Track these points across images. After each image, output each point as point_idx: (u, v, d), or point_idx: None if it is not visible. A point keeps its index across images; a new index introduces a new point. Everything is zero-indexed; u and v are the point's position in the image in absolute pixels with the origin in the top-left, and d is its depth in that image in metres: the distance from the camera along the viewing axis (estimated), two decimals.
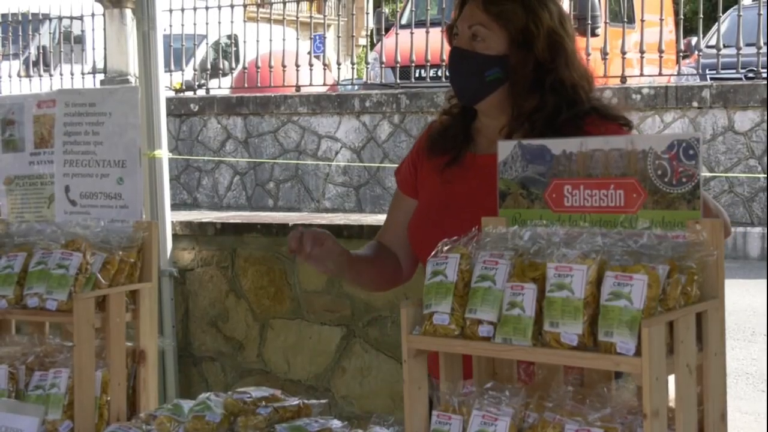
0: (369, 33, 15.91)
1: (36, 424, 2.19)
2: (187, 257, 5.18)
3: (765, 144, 10.33)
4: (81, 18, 14.56)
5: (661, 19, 12.89)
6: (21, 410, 2.24)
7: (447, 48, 2.58)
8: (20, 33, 15.82)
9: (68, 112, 2.81)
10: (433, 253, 2.03)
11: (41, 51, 15.47)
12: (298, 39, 14.33)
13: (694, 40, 14.01)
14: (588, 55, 11.44)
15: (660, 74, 11.98)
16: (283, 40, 13.56)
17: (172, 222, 5.07)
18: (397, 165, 2.77)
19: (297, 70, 13.02)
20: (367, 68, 15.03)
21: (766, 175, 10.24)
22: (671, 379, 1.79)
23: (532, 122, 2.40)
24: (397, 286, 2.60)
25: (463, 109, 2.57)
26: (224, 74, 15.07)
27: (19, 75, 14.82)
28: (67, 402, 2.42)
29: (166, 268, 4.95)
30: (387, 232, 2.69)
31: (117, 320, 2.52)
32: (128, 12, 12.92)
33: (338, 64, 14.37)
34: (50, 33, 15.65)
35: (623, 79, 11.70)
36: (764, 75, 10.83)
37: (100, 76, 14.01)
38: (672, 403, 1.80)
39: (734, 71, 11.27)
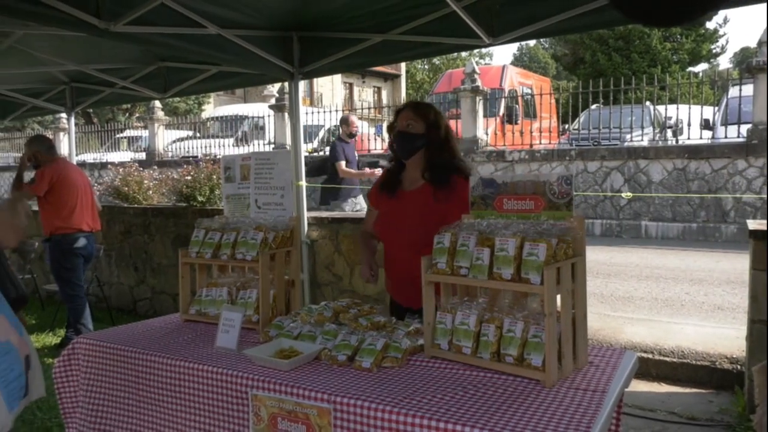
0: None
1: (241, 316, 2.19)
2: (315, 234, 5.17)
3: (603, 177, 10.20)
4: (263, 117, 14.68)
5: (550, 115, 12.86)
6: (234, 309, 2.25)
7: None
8: (233, 125, 16.01)
9: (257, 163, 2.82)
10: (438, 232, 1.97)
11: (243, 134, 15.60)
12: (369, 127, 14.30)
13: (567, 126, 13.84)
14: (513, 134, 11.35)
15: (549, 143, 11.82)
16: (363, 127, 13.61)
17: (307, 217, 5.07)
18: None
19: (369, 141, 13.00)
20: None
21: (603, 194, 10.12)
22: (558, 297, 1.76)
23: (431, 169, 2.44)
24: None
25: (397, 164, 2.57)
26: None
27: (232, 146, 14.95)
28: (255, 305, 2.43)
29: (304, 239, 4.94)
30: (366, 224, 2.72)
31: (283, 265, 2.51)
32: (286, 114, 13.15)
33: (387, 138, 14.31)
34: (248, 125, 15.76)
35: (531, 145, 11.44)
36: (603, 144, 10.65)
37: (273, 146, 14.14)
38: (559, 309, 1.76)
39: (587, 142, 11.09)
